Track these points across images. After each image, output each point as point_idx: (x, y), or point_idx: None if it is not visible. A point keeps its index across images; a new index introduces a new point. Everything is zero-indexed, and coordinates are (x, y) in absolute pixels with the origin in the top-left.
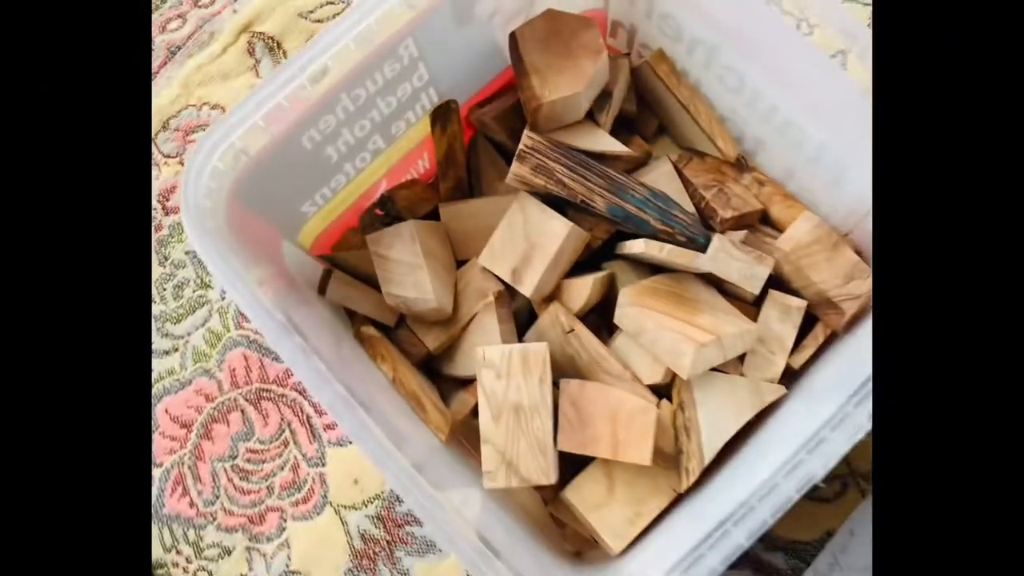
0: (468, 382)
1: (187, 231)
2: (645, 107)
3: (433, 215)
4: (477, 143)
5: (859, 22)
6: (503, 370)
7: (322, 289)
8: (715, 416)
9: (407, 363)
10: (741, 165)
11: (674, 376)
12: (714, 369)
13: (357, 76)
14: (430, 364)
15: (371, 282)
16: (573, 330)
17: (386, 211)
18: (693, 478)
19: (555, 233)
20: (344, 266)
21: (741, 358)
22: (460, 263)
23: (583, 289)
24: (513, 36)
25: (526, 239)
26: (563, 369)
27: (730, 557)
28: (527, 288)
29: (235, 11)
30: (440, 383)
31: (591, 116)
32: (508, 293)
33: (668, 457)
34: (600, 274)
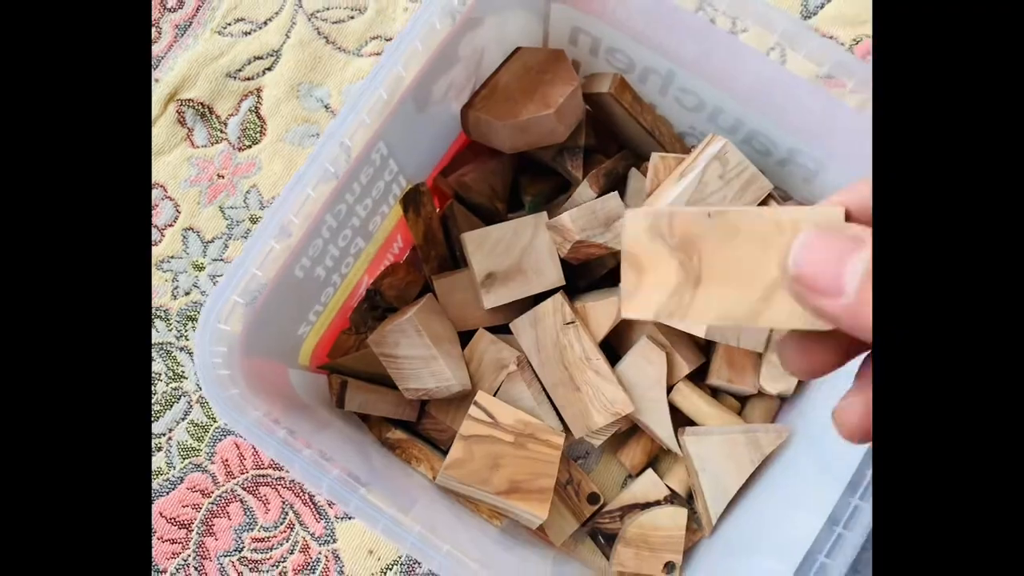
0: None
1: (214, 407)
2: (602, 132)
3: (423, 294)
4: (453, 211)
5: (785, 13)
6: None
7: (340, 402)
8: (716, 480)
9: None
10: None
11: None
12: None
13: (338, 194)
14: None
15: (378, 380)
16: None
17: (376, 305)
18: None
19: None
20: (348, 372)
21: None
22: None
23: (607, 316)
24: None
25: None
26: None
27: None
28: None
29: (157, 80)
30: None
31: (563, 163)
32: (525, 356)
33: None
34: None
